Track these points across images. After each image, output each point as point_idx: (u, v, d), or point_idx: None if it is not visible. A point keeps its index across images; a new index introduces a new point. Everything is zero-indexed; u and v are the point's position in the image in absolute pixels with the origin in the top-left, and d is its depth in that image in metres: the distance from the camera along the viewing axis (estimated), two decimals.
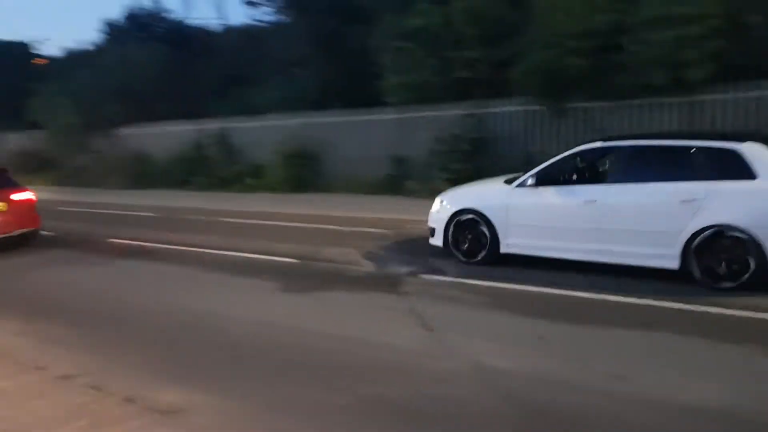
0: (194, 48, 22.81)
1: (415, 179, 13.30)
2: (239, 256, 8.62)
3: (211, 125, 17.86)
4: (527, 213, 6.93)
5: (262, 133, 16.70)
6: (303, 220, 11.72)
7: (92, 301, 6.77)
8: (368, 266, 7.68)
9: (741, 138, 6.05)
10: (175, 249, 9.35)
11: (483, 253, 7.21)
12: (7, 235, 9.51)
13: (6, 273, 8.45)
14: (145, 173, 18.40)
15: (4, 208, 9.50)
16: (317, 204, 13.28)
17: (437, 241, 7.65)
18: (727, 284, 5.68)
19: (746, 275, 5.59)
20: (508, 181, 7.30)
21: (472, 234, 7.30)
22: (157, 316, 6.06)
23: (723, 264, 5.74)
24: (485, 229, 7.16)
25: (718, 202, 5.75)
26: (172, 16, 26.75)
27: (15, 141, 24.00)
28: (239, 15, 71.57)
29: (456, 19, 13.03)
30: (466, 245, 7.35)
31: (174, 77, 20.90)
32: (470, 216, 7.28)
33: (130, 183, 18.19)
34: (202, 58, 21.48)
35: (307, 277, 7.38)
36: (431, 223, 7.78)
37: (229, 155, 17.20)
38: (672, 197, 5.97)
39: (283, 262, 8.16)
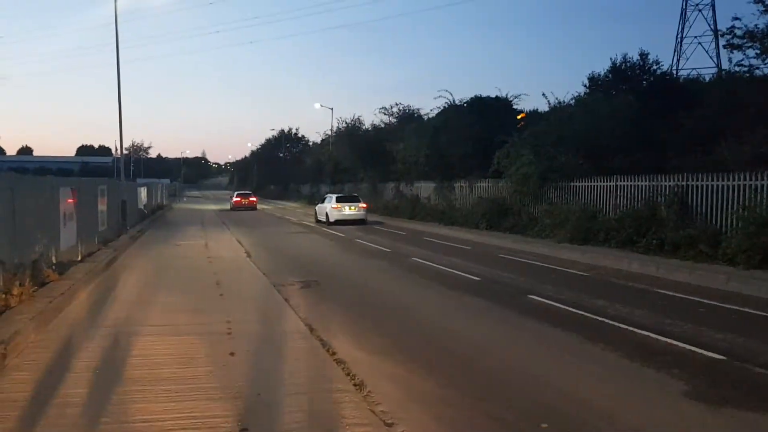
0: (678, 100, 22.03)
1: None
2: (656, 339, 7.54)
3: (667, 182, 16.58)
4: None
5: (726, 193, 14.66)
6: (757, 305, 9.73)
7: (477, 355, 6.77)
8: None
9: None
10: (593, 319, 8.79)
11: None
12: None
13: (443, 317, 9.23)
14: (591, 229, 18.20)
15: None
16: None
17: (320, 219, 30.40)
18: None
19: None
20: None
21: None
22: (524, 388, 5.65)
23: None
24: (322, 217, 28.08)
25: None
26: (662, 67, 26.58)
27: (481, 189, 26.88)
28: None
29: None
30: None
31: (641, 130, 20.44)
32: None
33: (576, 237, 18.22)
34: (685, 111, 20.48)
35: (731, 384, 5.93)
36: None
37: (683, 217, 15.60)
38: None
39: (705, 356, 6.79)
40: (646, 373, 6.28)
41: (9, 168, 54.40)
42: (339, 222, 28.33)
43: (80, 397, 5.24)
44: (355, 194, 34.63)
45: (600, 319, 8.70)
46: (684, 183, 16.04)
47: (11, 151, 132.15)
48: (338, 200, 29.66)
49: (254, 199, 49.98)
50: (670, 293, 10.94)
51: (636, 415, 5.12)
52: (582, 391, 5.71)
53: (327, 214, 29.29)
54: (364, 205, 30.47)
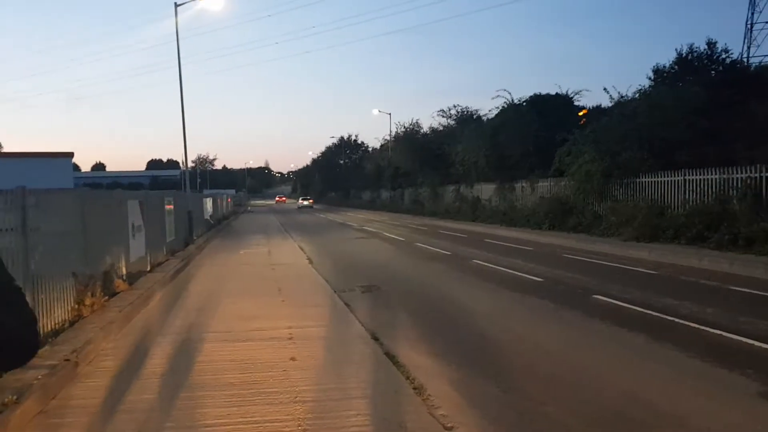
0: (749, 89, 21.14)
1: None
2: (730, 338, 7.20)
3: (739, 174, 15.87)
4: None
5: None
6: None
7: (540, 357, 6.62)
8: None
9: None
10: (662, 318, 8.46)
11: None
12: None
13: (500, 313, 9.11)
14: (659, 226, 17.59)
15: None
16: None
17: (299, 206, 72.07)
18: None
19: None
20: None
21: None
22: (589, 391, 5.48)
23: None
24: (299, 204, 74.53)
25: None
26: (731, 56, 25.56)
27: (543, 188, 26.41)
28: None
29: None
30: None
31: (710, 122, 19.70)
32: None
33: (643, 235, 17.65)
34: (757, 100, 19.63)
35: None
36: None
37: (758, 210, 14.88)
38: None
39: None
40: (718, 374, 5.99)
41: (84, 183, 56.83)
42: (300, 207, 70.60)
43: (147, 403, 5.39)
44: (308, 195, 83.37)
45: (669, 318, 8.38)
46: (757, 174, 15.34)
47: (86, 167, 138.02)
48: (301, 198, 79.47)
49: (284, 199, 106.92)
50: (745, 290, 10.45)
51: (708, 418, 4.89)
52: (650, 393, 5.49)
53: (298, 204, 75.31)
54: (312, 200, 77.24)
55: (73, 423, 4.99)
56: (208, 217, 31.54)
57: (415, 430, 4.66)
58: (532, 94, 32.25)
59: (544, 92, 32.17)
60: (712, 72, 25.02)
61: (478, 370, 6.29)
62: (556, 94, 31.71)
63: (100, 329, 7.72)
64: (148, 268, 13.64)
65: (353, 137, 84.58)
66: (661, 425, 4.80)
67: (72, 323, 7.97)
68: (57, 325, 7.64)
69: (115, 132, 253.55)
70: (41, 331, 6.93)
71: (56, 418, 5.11)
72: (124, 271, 11.63)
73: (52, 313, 7.60)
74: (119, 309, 9.04)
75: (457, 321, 8.83)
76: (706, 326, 7.81)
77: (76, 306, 8.44)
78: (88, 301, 8.68)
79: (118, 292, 10.37)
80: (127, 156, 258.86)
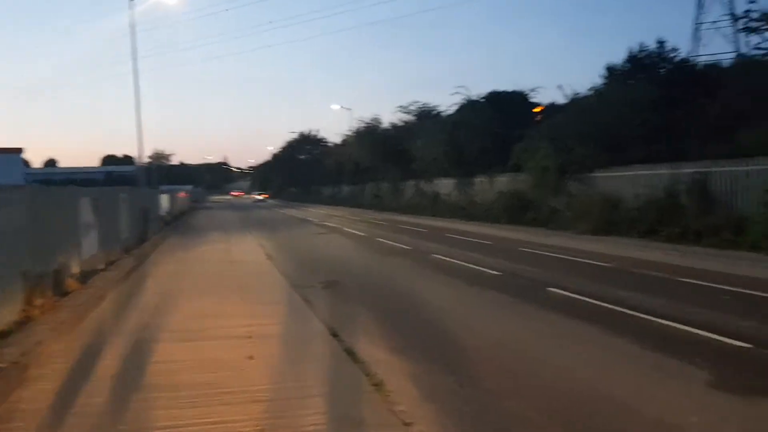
0: (696, 87, 21.70)
1: None
2: (680, 329, 7.39)
3: (687, 169, 16.29)
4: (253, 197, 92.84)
5: (748, 179, 14.40)
6: None
7: (498, 351, 6.69)
8: None
9: None
10: (615, 310, 8.64)
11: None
12: None
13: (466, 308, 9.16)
14: (612, 220, 17.97)
15: None
16: None
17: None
18: None
19: None
20: None
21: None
22: (545, 383, 5.55)
23: None
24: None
25: None
26: (679, 54, 26.17)
27: (501, 183, 26.70)
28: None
29: None
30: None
31: (660, 119, 20.18)
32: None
33: (597, 229, 18.01)
34: (704, 97, 20.18)
35: (757, 372, 5.79)
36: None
37: (705, 204, 15.33)
38: None
39: (730, 345, 6.65)
40: (669, 364, 6.15)
41: (35, 180, 55.23)
42: (256, 201, 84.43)
43: (98, 406, 5.25)
44: (264, 190, 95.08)
45: (622, 310, 8.57)
46: (705, 170, 15.80)
47: (37, 163, 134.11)
48: (258, 193, 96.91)
49: (240, 193, 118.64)
50: (694, 281, 10.75)
51: (658, 406, 5.00)
52: (603, 383, 5.61)
53: (254, 198, 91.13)
54: (267, 194, 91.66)
55: (21, 428, 4.82)
56: (165, 214, 30.99)
57: (374, 426, 4.65)
58: (489, 90, 32.64)
59: (501, 89, 32.59)
60: (662, 70, 25.61)
61: (437, 364, 6.31)
62: (513, 91, 32.12)
63: (51, 330, 7.50)
64: (102, 267, 13.30)
65: (313, 132, 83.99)
66: (616, 414, 4.89)
67: (21, 325, 7.71)
68: (5, 327, 7.39)
69: (69, 127, 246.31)
70: None
71: (4, 422, 4.93)
72: (76, 269, 11.32)
73: None
74: (71, 309, 8.80)
75: (417, 316, 8.86)
76: (657, 317, 8.00)
77: (26, 307, 8.18)
78: (38, 302, 8.41)
79: (70, 292, 10.08)
80: (80, 152, 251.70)
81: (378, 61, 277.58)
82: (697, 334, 7.16)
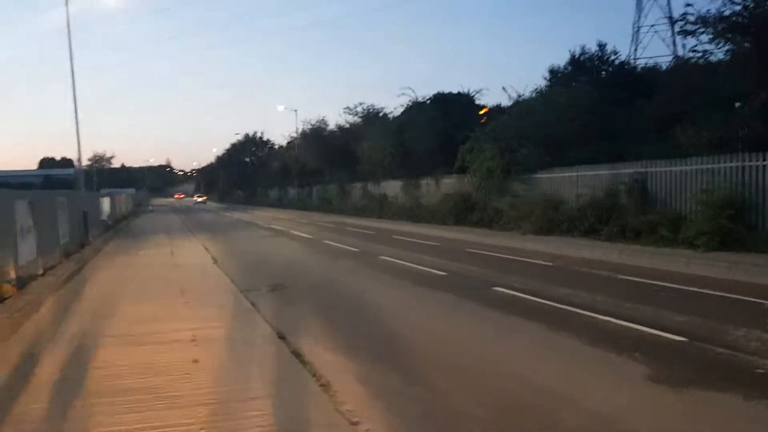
0: (636, 89, 22.42)
1: None
2: (619, 325, 7.63)
3: (627, 169, 16.82)
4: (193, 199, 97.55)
5: (685, 178, 14.97)
6: (717, 286, 9.93)
7: (444, 350, 6.77)
8: None
9: None
10: (557, 307, 8.85)
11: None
12: None
13: (397, 308, 9.21)
14: (555, 219, 18.38)
15: None
16: (743, 267, 11.05)
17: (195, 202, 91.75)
18: None
19: None
20: None
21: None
22: (490, 380, 5.66)
23: None
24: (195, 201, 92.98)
25: None
26: (619, 57, 26.97)
27: (447, 185, 26.97)
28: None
29: None
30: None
31: (601, 120, 20.77)
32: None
33: (540, 228, 18.38)
34: (643, 99, 20.86)
35: (692, 365, 6.03)
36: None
37: (644, 203, 15.86)
38: None
39: (666, 339, 6.90)
40: (608, 358, 6.34)
41: None
42: (196, 203, 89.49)
43: (36, 413, 5.08)
44: (208, 193, 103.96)
45: (563, 307, 8.79)
46: (643, 170, 16.33)
47: None
48: (197, 195, 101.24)
49: (182, 195, 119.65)
50: (632, 278, 11.11)
51: (598, 399, 5.16)
52: (545, 378, 5.74)
53: (194, 201, 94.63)
54: (206, 197, 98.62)
55: None
56: (106, 218, 30.15)
57: (321, 426, 4.64)
58: (435, 92, 32.95)
59: (447, 91, 32.95)
60: (603, 72, 26.39)
61: (384, 364, 6.35)
62: (459, 93, 32.51)
63: None
64: (40, 272, 12.87)
65: (259, 134, 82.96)
66: (558, 409, 5.01)
67: None
68: None
69: (3, 129, 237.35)
70: None
71: None
72: (12, 275, 10.90)
73: None
74: (7, 315, 8.49)
75: (364, 317, 8.88)
76: (597, 313, 8.24)
77: None
78: None
79: (6, 298, 9.73)
80: (16, 154, 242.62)
81: (324, 62, 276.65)
82: (635, 329, 7.40)
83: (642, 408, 4.98)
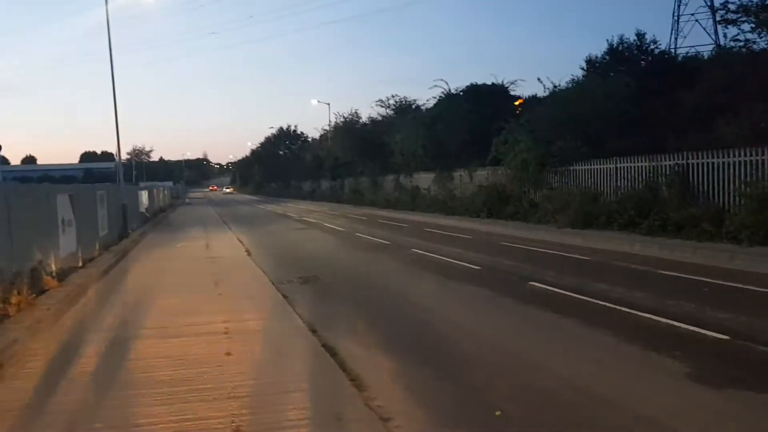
0: (676, 79, 21.86)
1: None
2: (660, 322, 7.43)
3: (668, 161, 16.41)
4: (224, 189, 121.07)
5: (728, 170, 14.53)
6: (761, 282, 9.64)
7: (477, 345, 6.68)
8: None
9: None
10: (595, 303, 8.67)
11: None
12: None
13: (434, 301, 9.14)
14: (592, 212, 18.05)
15: None
16: None
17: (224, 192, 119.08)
18: None
19: None
20: None
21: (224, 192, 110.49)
22: (526, 377, 5.55)
23: None
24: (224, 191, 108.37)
25: None
26: (659, 47, 26.36)
27: (481, 177, 26.72)
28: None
29: None
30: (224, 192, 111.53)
31: (639, 111, 20.30)
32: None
33: (577, 222, 18.07)
34: (684, 89, 20.32)
35: (735, 364, 5.84)
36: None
37: (685, 196, 15.44)
38: None
39: (708, 337, 6.69)
40: (648, 357, 6.17)
41: (13, 177, 54.41)
42: (225, 193, 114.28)
43: (74, 404, 5.16)
44: (244, 186, 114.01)
45: (601, 303, 8.60)
46: (684, 161, 15.89)
47: (15, 161, 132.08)
48: (226, 187, 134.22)
49: (215, 188, 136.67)
50: (673, 274, 10.83)
51: (637, 400, 5.01)
52: (582, 377, 5.61)
53: (224, 191, 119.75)
54: (233, 189, 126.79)
55: None
56: (144, 210, 30.64)
57: (352, 422, 4.61)
58: (468, 84, 32.63)
59: (480, 82, 32.60)
60: (642, 62, 25.78)
61: (416, 359, 6.30)
62: (492, 84, 32.15)
63: (27, 329, 7.37)
64: (80, 264, 13.12)
65: (293, 127, 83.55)
66: (594, 408, 4.89)
67: None
68: None
69: (48, 125, 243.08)
70: None
71: None
72: (53, 267, 11.13)
73: None
74: (48, 307, 8.65)
75: (396, 311, 8.84)
76: (637, 310, 8.04)
77: (1, 305, 8.02)
78: (14, 300, 8.25)
79: (48, 290, 9.91)
80: (59, 149, 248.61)
81: (358, 55, 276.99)
82: (676, 326, 7.20)
83: (682, 408, 4.83)
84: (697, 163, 15.54)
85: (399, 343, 6.93)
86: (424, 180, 33.24)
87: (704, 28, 53.50)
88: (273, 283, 10.94)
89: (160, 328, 7.88)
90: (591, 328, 7.37)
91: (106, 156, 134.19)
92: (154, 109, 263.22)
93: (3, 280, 8.39)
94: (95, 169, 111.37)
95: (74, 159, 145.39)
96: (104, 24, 23.44)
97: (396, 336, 7.30)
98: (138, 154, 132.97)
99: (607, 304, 8.49)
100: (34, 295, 9.07)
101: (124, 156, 31.64)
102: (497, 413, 4.74)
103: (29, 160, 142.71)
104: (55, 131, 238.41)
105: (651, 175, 16.99)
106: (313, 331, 7.34)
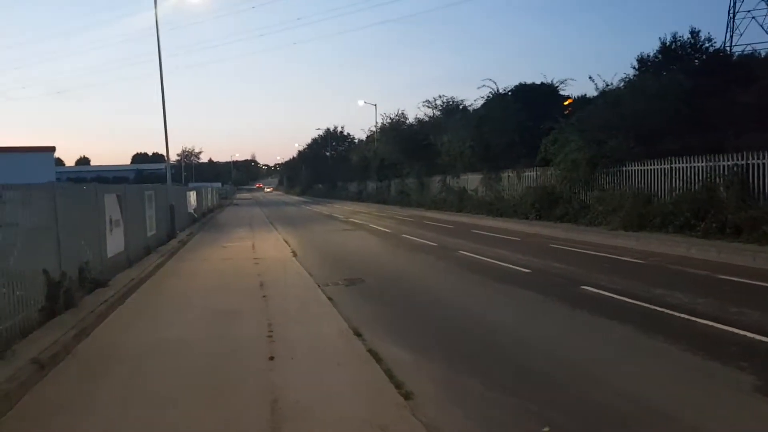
0: (732, 77, 21.05)
1: None
2: (722, 330, 7.01)
3: (725, 161, 15.72)
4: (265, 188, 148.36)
5: None
6: None
7: (527, 352, 6.40)
8: None
9: None
10: (651, 309, 8.26)
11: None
12: None
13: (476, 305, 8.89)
14: (646, 214, 17.43)
15: None
16: None
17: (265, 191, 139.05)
18: None
19: None
20: None
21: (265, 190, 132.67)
22: (578, 387, 5.25)
23: None
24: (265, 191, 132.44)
25: None
26: (714, 44, 25.53)
27: (529, 178, 26.22)
28: None
29: None
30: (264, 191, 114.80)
31: (694, 110, 19.57)
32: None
33: (630, 224, 17.49)
34: (740, 88, 19.53)
35: None
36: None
37: (745, 197, 14.74)
38: None
39: None
40: (711, 367, 5.79)
41: (68, 178, 56.04)
42: (266, 193, 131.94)
43: (116, 408, 5.11)
44: (291, 187, 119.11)
45: (659, 309, 8.19)
46: (744, 162, 15.19)
47: (70, 162, 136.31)
48: (269, 187, 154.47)
49: (260, 185, 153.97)
50: (734, 279, 10.29)
51: (700, 413, 4.69)
52: (639, 388, 5.28)
53: (263, 192, 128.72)
54: (270, 189, 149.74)
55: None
56: (192, 211, 31.08)
57: (395, 430, 4.42)
58: (517, 83, 32.11)
59: (529, 82, 32.07)
60: (696, 61, 24.93)
61: (463, 366, 6.06)
62: (541, 83, 31.57)
63: (71, 329, 7.42)
64: (128, 264, 13.28)
65: (339, 129, 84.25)
66: (652, 421, 4.59)
67: (42, 323, 7.63)
68: (28, 324, 7.31)
69: (100, 126, 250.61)
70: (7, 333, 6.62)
71: (27, 420, 4.82)
72: (100, 267, 11.28)
73: (24, 311, 7.27)
74: (93, 307, 8.72)
75: (442, 314, 8.60)
76: (697, 317, 7.63)
77: (49, 303, 8.10)
78: (61, 299, 8.35)
79: (94, 290, 10.02)
80: (112, 150, 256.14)
81: (405, 56, 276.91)
82: (741, 335, 6.78)
83: (749, 423, 4.50)
84: (758, 164, 14.83)
85: (446, 349, 6.70)
86: (472, 181, 32.83)
87: (761, 25, 51.50)
88: (318, 285, 10.84)
89: (202, 329, 7.83)
90: (648, 335, 7.00)
91: (157, 157, 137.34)
92: (204, 110, 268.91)
93: (51, 280, 8.47)
94: (146, 170, 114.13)
95: (126, 160, 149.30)
96: (154, 25, 23.85)
97: (443, 342, 7.07)
98: (188, 156, 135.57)
99: (665, 311, 8.08)
100: (81, 295, 9.16)
101: (174, 157, 32.29)
102: (545, 429, 4.47)
103: (83, 161, 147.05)
104: (107, 133, 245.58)
105: (708, 175, 16.32)
106: (358, 335, 7.18)
